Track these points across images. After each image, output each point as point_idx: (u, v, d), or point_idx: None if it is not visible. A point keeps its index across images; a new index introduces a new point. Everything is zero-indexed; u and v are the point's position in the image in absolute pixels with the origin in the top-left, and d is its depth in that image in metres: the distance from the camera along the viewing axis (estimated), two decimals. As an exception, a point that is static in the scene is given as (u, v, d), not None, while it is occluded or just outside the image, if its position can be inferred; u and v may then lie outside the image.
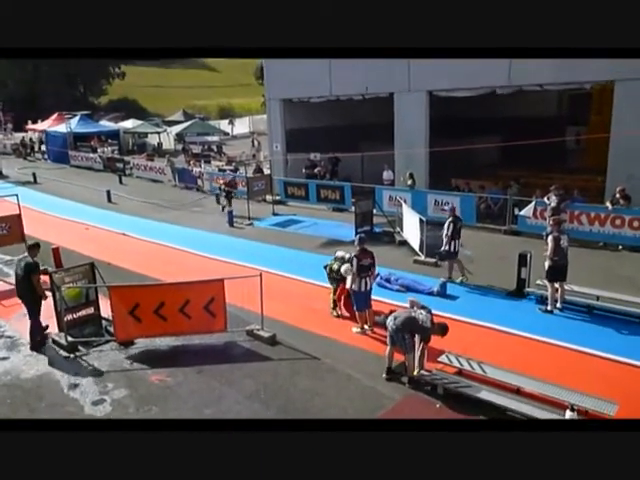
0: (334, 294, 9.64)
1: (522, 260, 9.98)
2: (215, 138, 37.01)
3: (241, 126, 47.84)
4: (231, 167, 25.06)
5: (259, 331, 8.65)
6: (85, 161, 30.86)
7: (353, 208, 15.54)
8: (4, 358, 8.32)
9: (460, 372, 7.18)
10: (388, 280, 10.85)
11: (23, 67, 57.41)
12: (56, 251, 12.69)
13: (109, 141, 34.38)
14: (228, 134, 43.23)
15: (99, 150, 31.73)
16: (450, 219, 10.91)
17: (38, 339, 8.64)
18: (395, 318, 7.17)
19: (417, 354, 7.15)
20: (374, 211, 15.19)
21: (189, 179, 23.51)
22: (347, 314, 9.46)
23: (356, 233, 14.45)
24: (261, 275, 8.38)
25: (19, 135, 39.79)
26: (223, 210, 17.83)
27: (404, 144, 17.75)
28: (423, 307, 7.26)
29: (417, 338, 7.13)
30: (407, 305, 7.58)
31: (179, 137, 36.99)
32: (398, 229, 14.49)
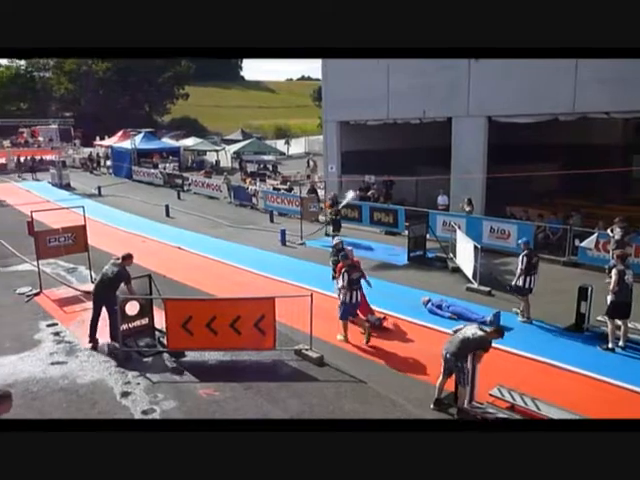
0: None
1: (582, 294, 9.60)
2: (271, 157, 37.70)
3: (297, 146, 48.60)
4: (286, 186, 25.46)
5: (307, 351, 8.66)
6: (146, 176, 32.05)
7: (406, 232, 15.43)
8: (62, 362, 8.66)
9: (512, 407, 6.93)
10: (440, 307, 10.67)
11: (94, 86, 60.67)
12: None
13: (170, 158, 35.66)
14: (284, 154, 43.93)
15: (160, 166, 32.96)
16: (524, 252, 10.19)
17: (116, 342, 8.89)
18: (449, 345, 7.02)
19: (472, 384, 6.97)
20: (427, 236, 15.03)
21: (244, 197, 24.01)
22: (362, 316, 9.84)
23: (408, 257, 14.41)
24: (312, 295, 8.42)
25: (87, 150, 41.84)
26: (332, 238, 15.44)
27: (460, 169, 17.56)
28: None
29: (470, 365, 6.94)
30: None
31: (236, 155, 37.88)
32: (451, 255, 14.26)
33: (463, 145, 17.46)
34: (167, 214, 21.66)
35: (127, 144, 35.19)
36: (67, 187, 29.46)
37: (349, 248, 10.61)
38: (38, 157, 38.04)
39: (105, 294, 8.99)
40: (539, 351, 8.77)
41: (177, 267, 13.85)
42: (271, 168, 34.47)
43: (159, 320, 9.24)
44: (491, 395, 7.10)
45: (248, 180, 28.42)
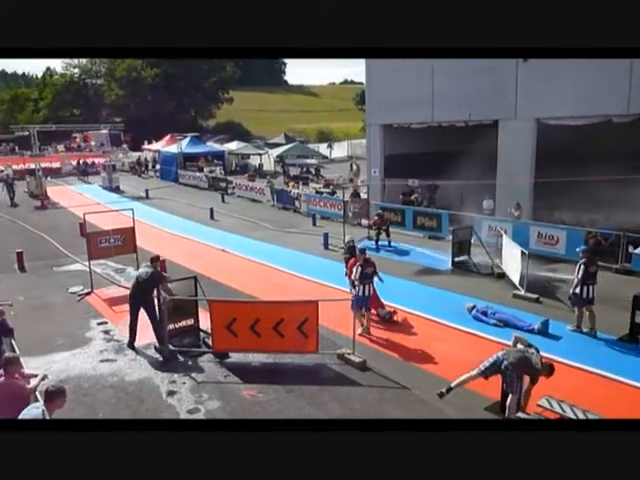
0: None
1: (637, 303, 9.22)
2: (314, 161, 37.87)
3: (339, 150, 48.62)
4: (328, 190, 25.51)
5: (350, 355, 8.64)
6: (192, 180, 32.72)
7: (450, 237, 15.21)
8: (112, 360, 8.93)
9: (561, 418, 6.70)
10: (485, 313, 10.45)
11: (143, 92, 62.46)
12: (162, 263, 13.58)
13: (215, 161, 36.30)
14: (326, 157, 44.04)
15: (205, 170, 33.59)
16: (582, 260, 9.80)
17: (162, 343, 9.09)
18: (507, 356, 6.84)
19: (521, 395, 6.81)
20: (472, 241, 14.76)
21: (287, 200, 24.20)
22: (373, 310, 10.25)
23: (453, 263, 14.20)
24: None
25: (136, 154, 43.03)
26: (377, 247, 16.46)
27: (507, 173, 17.18)
28: (529, 345, 7.00)
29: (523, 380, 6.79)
30: (511, 342, 7.26)
31: (279, 159, 38.23)
32: (497, 261, 13.96)
33: (510, 148, 17.09)
34: (211, 217, 22.06)
35: (174, 148, 36.01)
36: (117, 190, 30.44)
37: (360, 247, 11.22)
38: (90, 161, 39.51)
39: (142, 297, 9.24)
40: (590, 361, 8.47)
41: (221, 269, 14.07)
42: (314, 172, 34.62)
43: (204, 321, 9.41)
44: (539, 406, 6.88)
45: (291, 183, 28.65)
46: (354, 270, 9.87)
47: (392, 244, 16.70)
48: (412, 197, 20.18)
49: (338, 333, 9.34)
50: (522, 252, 11.83)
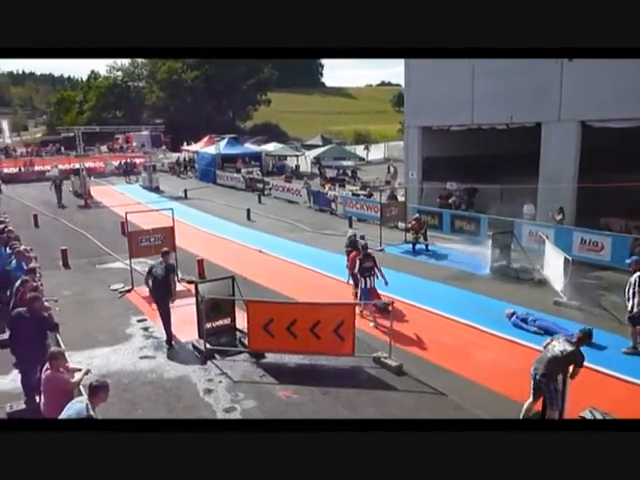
0: (355, 288, 11.09)
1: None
2: (350, 163, 37.80)
3: (376, 152, 48.41)
4: (365, 192, 25.44)
5: (386, 359, 8.59)
6: (229, 180, 33.13)
7: (489, 241, 14.95)
8: (151, 357, 9.13)
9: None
10: (525, 320, 10.23)
11: (182, 94, 63.68)
12: (200, 263, 13.84)
13: (252, 163, 36.63)
14: (363, 159, 43.92)
15: (242, 171, 33.91)
16: (637, 274, 9.11)
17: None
18: (538, 365, 6.60)
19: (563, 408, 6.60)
20: (512, 246, 14.47)
21: (323, 202, 24.24)
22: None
23: (491, 268, 13.95)
24: (392, 303, 8.34)
25: (175, 155, 43.86)
26: (414, 250, 16.26)
27: (549, 177, 16.78)
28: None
29: (561, 385, 6.57)
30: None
31: (316, 161, 38.31)
32: (538, 266, 13.65)
33: (553, 151, 16.68)
34: (248, 217, 22.27)
35: (212, 149, 36.52)
36: (157, 190, 31.07)
37: (362, 242, 11.71)
38: (131, 161, 40.51)
39: (162, 287, 9.64)
40: (636, 372, 8.19)
41: (258, 269, 14.20)
42: (350, 174, 34.57)
43: (241, 321, 9.51)
44: (582, 417, 6.70)
45: (327, 185, 28.68)
46: (355, 264, 10.66)
47: (429, 247, 16.52)
48: (450, 200, 19.94)
49: (374, 336, 9.30)
50: (565, 258, 11.53)
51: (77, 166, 30.48)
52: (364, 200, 22.49)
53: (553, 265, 12.50)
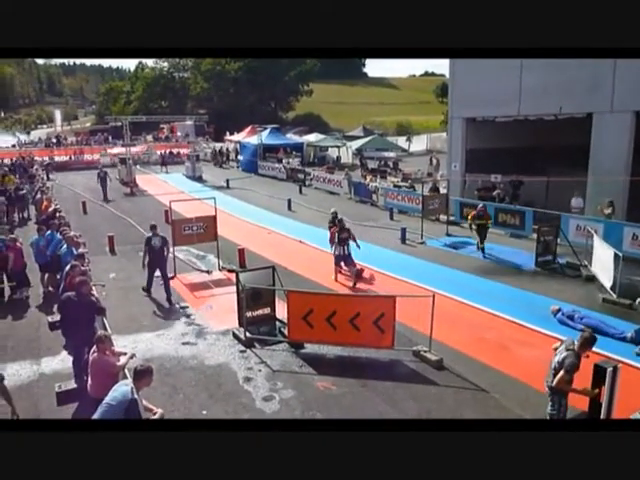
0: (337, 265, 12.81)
1: None
2: (392, 154, 37.44)
3: (418, 143, 47.80)
4: (406, 184, 25.14)
5: (426, 353, 8.46)
6: (271, 171, 33.32)
7: (534, 235, 14.53)
8: (192, 344, 9.27)
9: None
10: (571, 317, 9.90)
11: (226, 85, 64.33)
12: (241, 252, 13.96)
13: (293, 153, 36.70)
14: (405, 151, 43.45)
15: (284, 161, 34.06)
16: None
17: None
18: (547, 377, 6.07)
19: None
20: (558, 240, 14.02)
21: (364, 193, 24.08)
22: (345, 268, 12.73)
23: (536, 263, 13.55)
24: (434, 296, 8.19)
25: (218, 145, 44.38)
26: (480, 250, 14.99)
27: (599, 170, 16.14)
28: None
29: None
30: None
31: (357, 152, 38.10)
32: (585, 262, 13.18)
33: (604, 143, 16.02)
34: (289, 208, 22.34)
35: (254, 139, 36.81)
36: (199, 179, 31.56)
37: (339, 217, 14.15)
38: (175, 151, 41.22)
39: (160, 260, 11.44)
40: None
41: (298, 260, 14.23)
42: (392, 165, 34.21)
43: (280, 311, 9.55)
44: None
45: (369, 176, 28.48)
46: (334, 236, 12.91)
47: (469, 239, 16.18)
48: (494, 193, 19.46)
49: (415, 330, 9.17)
50: (615, 254, 11.08)
51: (124, 154, 31.13)
52: (405, 192, 22.24)
53: (602, 261, 12.04)
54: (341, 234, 12.74)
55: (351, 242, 12.76)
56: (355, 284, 12.16)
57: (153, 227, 11.63)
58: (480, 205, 15.71)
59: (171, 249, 12.38)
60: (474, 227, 15.26)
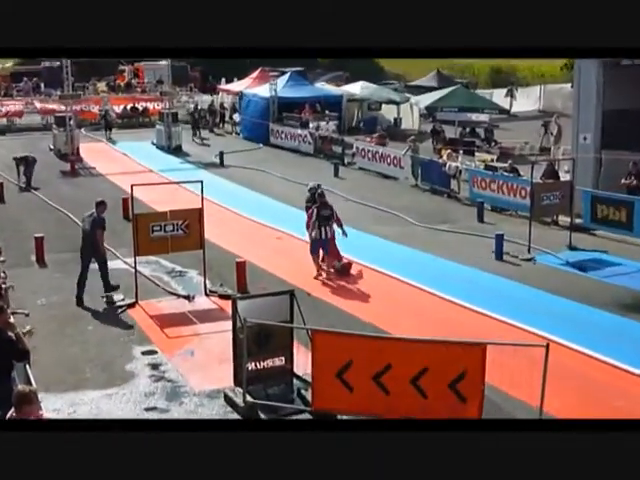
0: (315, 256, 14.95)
1: None
2: (483, 117, 37.09)
3: (525, 100, 47.42)
4: (505, 164, 24.91)
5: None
6: (290, 140, 33.47)
7: None
8: (162, 410, 9.39)
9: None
10: None
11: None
12: (241, 267, 13.96)
13: (327, 113, 36.57)
14: (505, 111, 42.98)
15: (311, 125, 33.93)
16: None
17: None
18: None
19: None
20: None
21: (438, 178, 24.05)
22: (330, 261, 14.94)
23: None
24: (547, 346, 8.14)
25: (207, 98, 44.56)
26: None
27: None
28: None
29: None
30: None
31: (428, 112, 37.94)
32: None
33: None
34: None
35: (264, 90, 36.83)
36: (177, 151, 31.98)
37: (319, 190, 15.91)
38: (141, 106, 41.51)
39: (89, 251, 13.27)
40: None
41: (330, 281, 14.31)
42: (483, 134, 34.05)
43: (301, 362, 9.57)
44: None
45: (446, 152, 28.25)
46: (312, 214, 14.65)
47: (606, 256, 16.09)
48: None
49: (511, 396, 9.14)
50: None
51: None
52: (504, 177, 22.04)
53: None
54: (321, 211, 14.45)
55: (335, 227, 14.62)
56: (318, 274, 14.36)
57: (98, 204, 13.50)
58: None
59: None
60: None
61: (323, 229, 14.20)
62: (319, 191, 15.70)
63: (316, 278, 14.32)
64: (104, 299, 13.17)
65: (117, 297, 13.38)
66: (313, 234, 14.37)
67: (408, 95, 42.26)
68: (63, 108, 31.90)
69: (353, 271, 15.27)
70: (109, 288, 13.35)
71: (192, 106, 41.07)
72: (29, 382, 7.10)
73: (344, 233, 14.66)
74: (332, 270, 14.83)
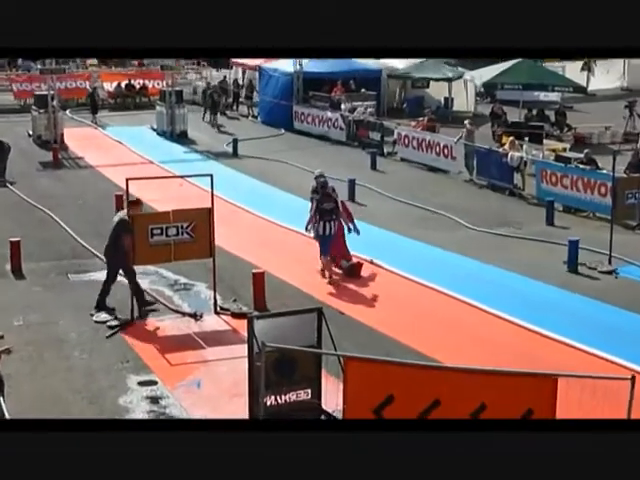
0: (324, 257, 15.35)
1: None
2: (554, 96, 36.96)
3: (606, 76, 47.21)
4: (581, 155, 24.74)
5: None
6: (317, 125, 33.53)
7: None
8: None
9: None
10: None
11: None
12: (259, 278, 13.97)
13: (362, 91, 36.59)
14: (581, 89, 42.66)
15: (343, 107, 33.94)
16: None
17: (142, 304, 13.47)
18: None
19: None
20: None
21: (498, 171, 23.97)
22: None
23: None
24: (633, 379, 8.07)
25: (218, 74, 44.75)
26: None
27: None
28: None
29: None
30: None
31: (486, 91, 37.85)
32: None
33: None
34: (351, 197, 22.32)
35: (287, 64, 36.88)
36: (182, 138, 32.15)
37: (322, 179, 16.18)
38: (138, 83, 41.79)
39: (115, 255, 13.28)
40: None
41: (366, 297, 14.30)
42: (553, 118, 33.89)
43: (332, 395, 9.56)
44: None
45: (508, 140, 28.18)
46: (312, 208, 15.20)
47: None
48: None
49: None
50: None
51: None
52: (579, 171, 21.93)
53: None
54: (324, 202, 15.06)
55: (344, 222, 15.17)
56: (331, 280, 14.75)
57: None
58: None
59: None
60: None
61: (327, 224, 14.68)
62: (321, 180, 15.99)
63: (330, 283, 14.84)
64: (92, 317, 13.17)
65: (107, 316, 13.32)
66: (314, 230, 14.93)
67: (462, 69, 42.02)
68: (44, 86, 32.15)
69: (385, 281, 15.26)
70: (144, 303, 13.52)
71: (200, 84, 41.30)
72: (3, 416, 7.16)
73: (353, 229, 15.23)
74: (339, 270, 15.36)
